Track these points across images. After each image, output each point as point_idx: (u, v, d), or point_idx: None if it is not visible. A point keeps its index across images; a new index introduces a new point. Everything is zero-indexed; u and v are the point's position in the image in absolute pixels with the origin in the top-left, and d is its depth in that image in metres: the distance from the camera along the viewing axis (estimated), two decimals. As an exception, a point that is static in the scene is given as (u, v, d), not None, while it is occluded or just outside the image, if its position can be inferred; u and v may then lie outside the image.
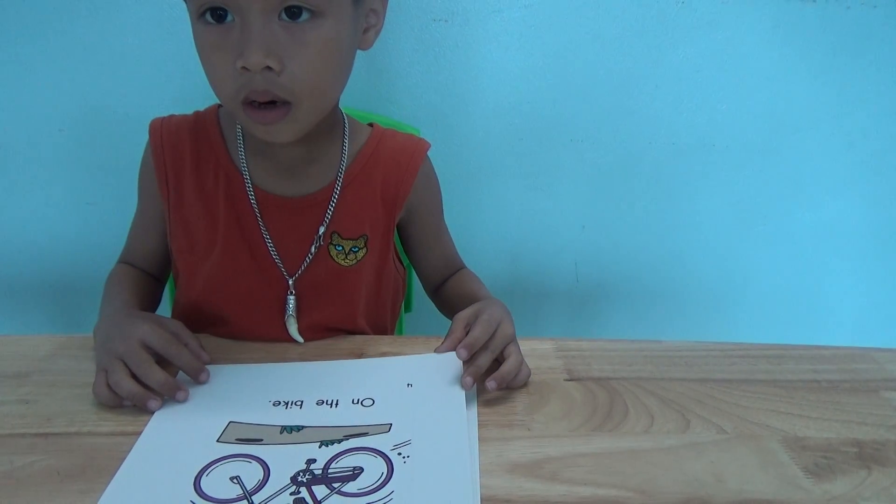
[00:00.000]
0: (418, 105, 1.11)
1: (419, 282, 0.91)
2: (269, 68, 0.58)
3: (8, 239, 1.18)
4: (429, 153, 0.81)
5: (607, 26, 1.08)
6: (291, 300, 0.73)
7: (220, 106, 0.76)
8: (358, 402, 0.61)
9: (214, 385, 0.64)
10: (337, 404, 0.61)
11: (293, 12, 0.58)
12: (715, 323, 1.34)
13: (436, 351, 0.68)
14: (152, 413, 0.59)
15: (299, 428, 0.58)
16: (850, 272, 1.31)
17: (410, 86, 1.10)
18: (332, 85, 0.65)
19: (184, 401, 0.61)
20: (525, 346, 0.70)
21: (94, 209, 1.16)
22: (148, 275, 0.80)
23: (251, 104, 0.61)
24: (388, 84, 1.10)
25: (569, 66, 1.11)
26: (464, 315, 0.68)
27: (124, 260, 0.80)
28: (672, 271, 1.29)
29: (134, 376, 0.60)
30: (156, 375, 0.60)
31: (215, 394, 0.63)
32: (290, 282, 0.73)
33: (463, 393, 0.62)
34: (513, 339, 0.67)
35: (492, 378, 0.62)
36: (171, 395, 0.60)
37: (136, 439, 0.56)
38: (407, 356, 0.70)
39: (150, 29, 1.04)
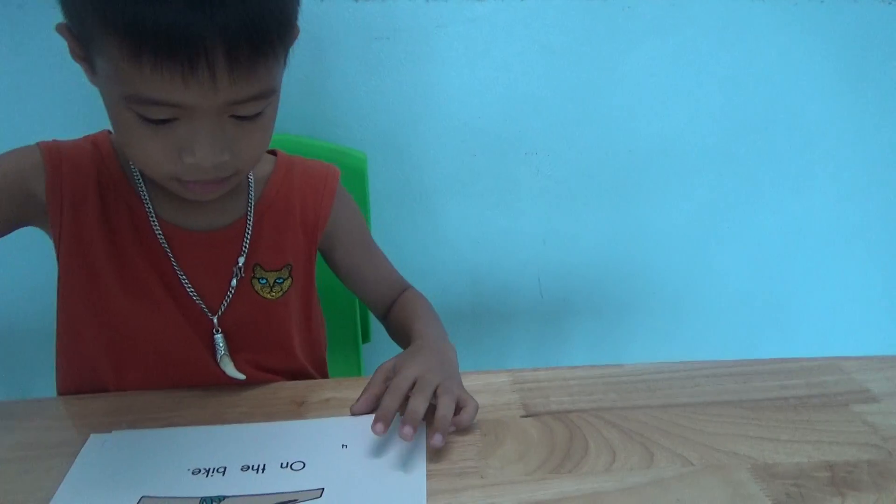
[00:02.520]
0: (365, 127, 1.07)
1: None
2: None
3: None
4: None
5: (555, 36, 1.05)
6: (220, 339, 0.69)
7: (111, 132, 0.68)
8: (287, 466, 0.56)
9: (125, 455, 0.58)
10: (264, 469, 0.56)
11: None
12: (682, 331, 1.32)
13: (352, 409, 0.63)
14: None
15: (220, 498, 0.53)
16: (815, 274, 1.29)
17: (355, 108, 1.06)
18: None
19: None
20: (479, 380, 0.66)
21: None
22: None
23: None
24: (332, 108, 1.06)
25: (518, 79, 1.08)
26: (384, 368, 0.65)
27: None
28: (636, 281, 1.26)
29: None
30: None
31: (126, 465, 0.57)
32: (214, 319, 0.69)
33: (403, 450, 0.57)
34: (441, 382, 0.61)
35: (434, 432, 0.57)
36: None
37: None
38: (340, 417, 0.63)
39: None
